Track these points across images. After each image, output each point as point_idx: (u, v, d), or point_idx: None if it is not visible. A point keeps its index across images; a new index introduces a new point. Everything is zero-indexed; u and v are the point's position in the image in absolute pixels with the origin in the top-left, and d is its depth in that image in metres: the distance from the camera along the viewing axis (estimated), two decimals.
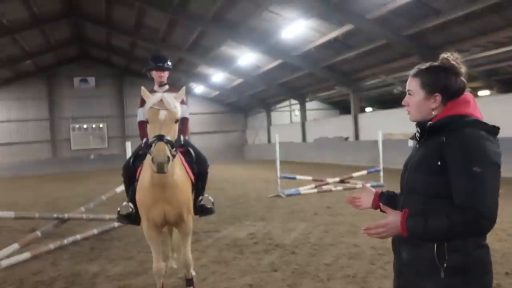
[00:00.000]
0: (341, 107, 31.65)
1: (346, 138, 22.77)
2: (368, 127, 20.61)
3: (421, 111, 1.83)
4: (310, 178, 11.43)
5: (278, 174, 10.56)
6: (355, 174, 11.65)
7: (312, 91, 25.80)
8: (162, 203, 3.57)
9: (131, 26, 20.92)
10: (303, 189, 10.74)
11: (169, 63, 4.62)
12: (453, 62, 1.79)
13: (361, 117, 21.81)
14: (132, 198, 3.94)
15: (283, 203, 9.44)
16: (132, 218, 4.02)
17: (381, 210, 1.87)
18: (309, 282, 4.25)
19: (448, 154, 1.65)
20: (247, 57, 20.70)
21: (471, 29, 13.65)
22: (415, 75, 1.85)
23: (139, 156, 4.08)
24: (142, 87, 3.64)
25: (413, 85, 1.84)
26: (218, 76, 26.11)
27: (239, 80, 26.12)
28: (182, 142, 4.30)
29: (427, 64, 1.84)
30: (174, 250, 4.89)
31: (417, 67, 1.87)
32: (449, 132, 1.69)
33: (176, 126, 3.36)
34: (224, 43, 20.00)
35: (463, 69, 1.81)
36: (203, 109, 33.77)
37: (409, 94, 1.87)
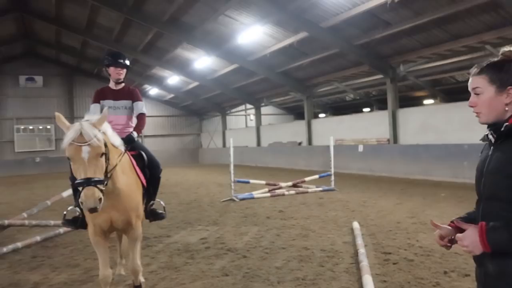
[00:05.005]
0: (296, 112, 32.28)
1: (300, 143, 23.19)
2: (321, 132, 21.13)
3: (493, 109, 1.67)
4: (263, 182, 11.55)
5: (232, 178, 10.57)
6: (307, 179, 11.89)
7: (267, 96, 26.10)
8: (109, 209, 3.44)
9: (82, 24, 20.21)
10: (256, 193, 10.80)
11: (128, 61, 4.53)
12: None
13: (314, 122, 22.32)
14: (79, 203, 3.80)
15: (236, 207, 9.46)
16: (79, 223, 3.87)
17: (457, 228, 1.74)
18: (260, 285, 4.28)
19: None
20: (203, 61, 20.61)
21: (417, 41, 14.40)
22: (480, 72, 1.71)
23: None
24: (57, 113, 3.11)
25: (480, 82, 1.69)
26: (173, 79, 25.79)
27: (195, 84, 25.94)
28: (136, 139, 4.21)
29: (490, 60, 1.71)
30: (123, 256, 4.76)
31: (477, 65, 1.74)
32: None
33: (103, 159, 3.11)
34: (179, 46, 19.81)
35: None
36: (158, 111, 33.20)
37: (475, 93, 1.72)
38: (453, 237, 1.78)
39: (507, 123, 1.63)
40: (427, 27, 13.21)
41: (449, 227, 1.75)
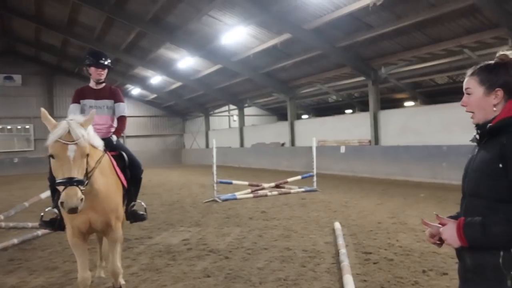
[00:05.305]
0: (279, 113, 32.38)
1: (283, 144, 23.28)
2: (303, 133, 21.25)
3: (482, 109, 1.75)
4: (246, 183, 11.55)
5: (215, 179, 10.54)
6: (290, 179, 11.96)
7: (251, 97, 26.12)
8: (88, 211, 3.38)
9: (63, 23, 19.86)
10: (239, 194, 10.79)
11: (109, 61, 4.48)
12: (511, 57, 1.74)
13: (297, 123, 22.44)
14: (57, 204, 3.73)
15: (219, 208, 9.43)
16: (57, 224, 3.80)
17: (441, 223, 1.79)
18: (241, 286, 4.28)
19: (508, 155, 1.59)
20: (186, 61, 20.50)
21: (398, 44, 14.62)
22: (473, 74, 1.78)
23: None
24: (43, 110, 3.08)
25: (471, 83, 1.78)
26: (156, 79, 25.57)
27: (178, 84, 25.77)
28: (114, 143, 4.17)
29: (485, 62, 1.79)
30: (103, 258, 4.69)
31: (473, 67, 1.81)
32: (510, 133, 1.63)
33: (85, 160, 3.07)
34: (162, 46, 19.66)
35: None
36: (140, 112, 32.89)
37: (467, 93, 1.80)
38: None
39: (490, 124, 1.70)
40: (408, 31, 13.44)
41: (440, 225, 1.80)
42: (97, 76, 4.37)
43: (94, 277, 4.41)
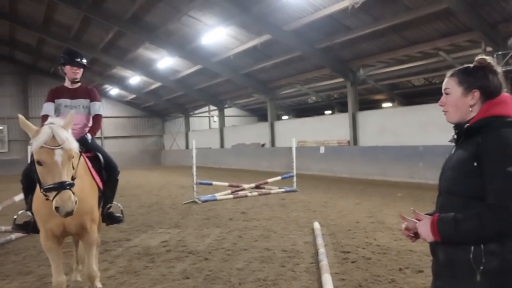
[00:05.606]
0: (259, 114, 32.44)
1: (263, 145, 23.33)
2: (283, 134, 21.35)
3: (459, 109, 1.81)
4: (226, 184, 11.51)
5: (195, 180, 10.48)
6: (270, 180, 11.99)
7: (231, 98, 26.09)
8: None
9: (39, 21, 19.41)
10: (219, 195, 10.76)
11: (85, 60, 4.41)
12: (489, 61, 1.79)
13: (277, 124, 22.53)
14: (31, 207, 3.65)
15: (198, 209, 9.38)
16: (31, 227, 3.71)
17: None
18: (221, 287, 4.27)
19: (483, 154, 1.63)
20: (165, 61, 20.34)
21: (375, 46, 14.86)
22: (452, 75, 1.84)
23: None
24: (20, 116, 3.06)
25: (450, 83, 1.84)
26: (134, 79, 25.27)
27: (157, 84, 25.54)
28: (90, 141, 4.10)
29: (465, 65, 1.85)
30: (79, 261, 4.59)
31: (453, 69, 1.88)
32: (485, 133, 1.67)
33: (71, 163, 3.03)
34: (141, 46, 19.47)
35: (499, 69, 1.81)
36: (118, 112, 32.42)
37: (445, 93, 1.86)
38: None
39: (468, 124, 1.76)
40: (385, 33, 13.68)
41: (416, 221, 1.84)
42: (72, 75, 4.31)
43: (70, 281, 4.32)
